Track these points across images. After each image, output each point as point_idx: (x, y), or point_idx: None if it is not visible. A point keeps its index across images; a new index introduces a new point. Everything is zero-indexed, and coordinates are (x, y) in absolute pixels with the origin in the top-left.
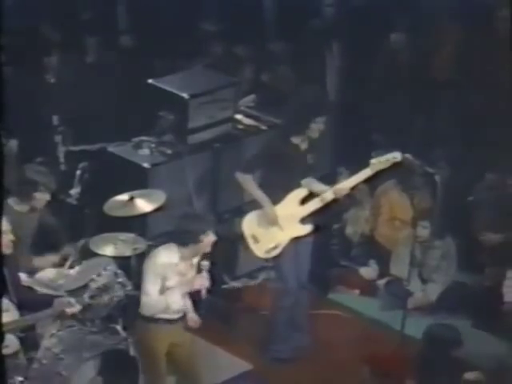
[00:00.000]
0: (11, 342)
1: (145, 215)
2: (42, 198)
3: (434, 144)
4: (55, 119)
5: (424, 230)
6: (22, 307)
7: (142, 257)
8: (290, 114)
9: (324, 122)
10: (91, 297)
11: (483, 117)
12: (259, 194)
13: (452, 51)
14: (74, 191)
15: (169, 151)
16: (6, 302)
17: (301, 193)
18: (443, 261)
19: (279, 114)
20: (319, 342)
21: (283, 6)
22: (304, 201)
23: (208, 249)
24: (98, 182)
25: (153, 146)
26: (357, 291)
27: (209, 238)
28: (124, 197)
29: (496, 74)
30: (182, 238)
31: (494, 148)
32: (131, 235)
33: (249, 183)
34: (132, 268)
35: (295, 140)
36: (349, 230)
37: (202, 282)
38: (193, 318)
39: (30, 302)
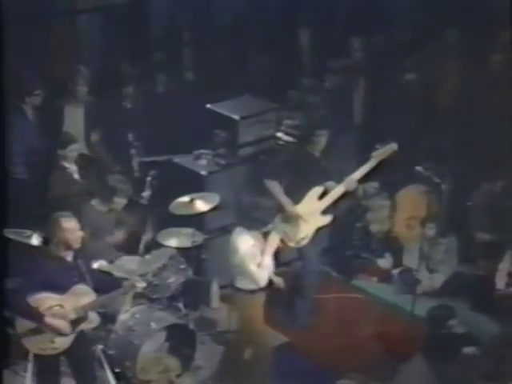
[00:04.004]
0: (94, 318)
1: (202, 214)
2: (120, 201)
3: (440, 159)
4: (131, 136)
5: (431, 230)
6: (97, 290)
7: (200, 248)
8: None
9: (325, 135)
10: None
11: (480, 137)
12: (282, 197)
13: (452, 87)
14: (146, 194)
15: (222, 162)
16: (84, 287)
17: (318, 190)
18: (446, 255)
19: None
20: (344, 319)
21: (319, 48)
22: (321, 197)
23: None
24: (164, 187)
25: (209, 157)
26: (375, 278)
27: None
28: (185, 199)
29: (489, 105)
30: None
31: (488, 163)
32: (191, 230)
33: (275, 188)
34: (191, 257)
35: (310, 149)
36: (370, 228)
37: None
38: (276, 280)
39: (104, 286)
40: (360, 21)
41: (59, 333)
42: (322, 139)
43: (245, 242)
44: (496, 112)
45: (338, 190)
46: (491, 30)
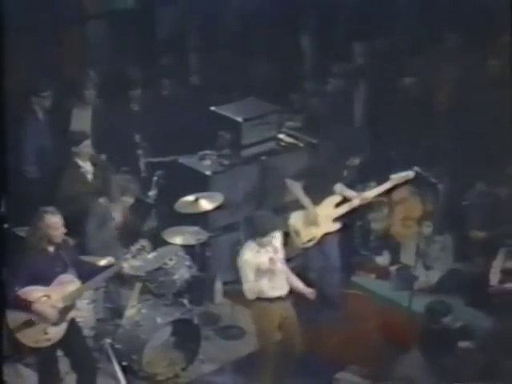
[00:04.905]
0: (82, 306)
1: (206, 212)
2: (127, 200)
3: (437, 160)
4: (137, 137)
5: (427, 228)
6: (83, 278)
7: (204, 245)
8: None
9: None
10: (165, 274)
11: (475, 140)
12: (304, 198)
13: (449, 91)
14: (152, 193)
15: (226, 162)
16: (69, 275)
17: (336, 198)
18: (442, 252)
19: (313, 136)
20: (343, 315)
21: (321, 53)
22: (338, 205)
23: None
24: (170, 186)
25: (213, 158)
26: (373, 275)
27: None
28: (190, 198)
29: (483, 108)
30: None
31: (482, 164)
32: (195, 228)
33: (296, 188)
34: (196, 254)
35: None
36: (369, 226)
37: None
38: (307, 291)
39: (88, 274)
40: (361, 26)
41: (47, 320)
42: (355, 161)
43: (249, 249)
44: (491, 114)
45: (353, 202)
46: (489, 35)
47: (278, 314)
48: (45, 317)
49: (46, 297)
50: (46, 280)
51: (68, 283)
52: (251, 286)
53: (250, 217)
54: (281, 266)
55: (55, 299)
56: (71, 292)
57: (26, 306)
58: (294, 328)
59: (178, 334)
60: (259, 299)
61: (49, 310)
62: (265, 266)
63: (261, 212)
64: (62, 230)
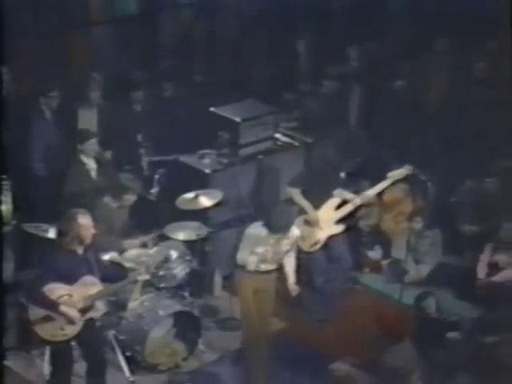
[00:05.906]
0: (100, 307)
1: (206, 209)
2: (130, 198)
3: (427, 158)
4: (140, 137)
5: (417, 224)
6: (104, 281)
7: (204, 240)
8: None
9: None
10: (167, 268)
11: (464, 138)
12: (305, 203)
13: (438, 93)
14: (154, 190)
15: (225, 161)
16: (92, 278)
17: (335, 201)
18: (432, 247)
19: (308, 135)
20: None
21: (316, 57)
22: (338, 207)
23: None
24: (171, 184)
25: (213, 157)
26: (366, 269)
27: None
28: (191, 195)
29: (471, 109)
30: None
31: (471, 162)
32: (196, 224)
33: (296, 195)
34: (196, 249)
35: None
36: (362, 223)
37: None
38: (292, 287)
39: (110, 277)
40: (355, 30)
41: (71, 321)
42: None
43: (254, 229)
44: (479, 114)
45: (354, 203)
46: (476, 40)
47: (252, 282)
48: (69, 318)
49: (67, 296)
50: (70, 280)
51: (91, 285)
52: (242, 256)
53: (267, 209)
54: (271, 257)
55: (76, 299)
56: (92, 294)
57: (52, 306)
58: (267, 301)
59: (179, 326)
60: (242, 269)
61: (73, 313)
62: (259, 251)
63: (280, 207)
64: (92, 230)
